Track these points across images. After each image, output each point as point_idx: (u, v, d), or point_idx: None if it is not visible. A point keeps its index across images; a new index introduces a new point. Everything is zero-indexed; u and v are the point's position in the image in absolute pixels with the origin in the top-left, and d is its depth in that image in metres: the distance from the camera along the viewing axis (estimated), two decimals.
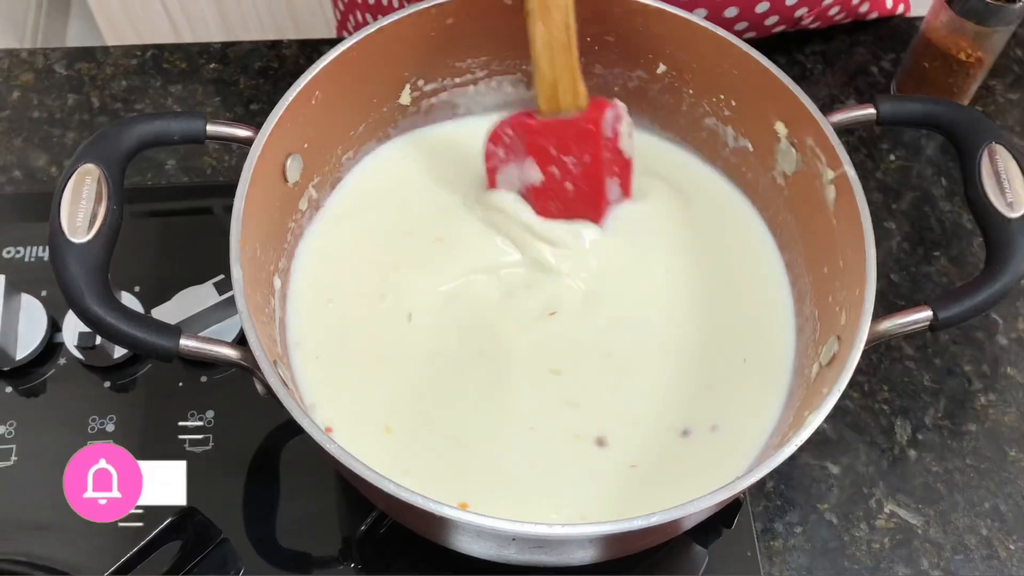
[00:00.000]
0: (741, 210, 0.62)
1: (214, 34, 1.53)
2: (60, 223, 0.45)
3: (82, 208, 0.45)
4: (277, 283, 0.54)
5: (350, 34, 0.94)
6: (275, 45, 0.79)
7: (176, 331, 0.45)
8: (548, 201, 0.58)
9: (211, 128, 0.50)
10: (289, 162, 0.53)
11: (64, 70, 0.77)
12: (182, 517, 0.55)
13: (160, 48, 0.78)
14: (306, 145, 0.55)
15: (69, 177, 0.46)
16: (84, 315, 0.44)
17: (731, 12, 0.71)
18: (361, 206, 0.60)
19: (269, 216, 0.53)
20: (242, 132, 0.51)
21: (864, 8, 0.83)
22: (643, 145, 0.61)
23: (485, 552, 0.50)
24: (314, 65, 0.53)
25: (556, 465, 0.52)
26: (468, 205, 0.60)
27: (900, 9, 0.85)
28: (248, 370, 0.47)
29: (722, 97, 0.58)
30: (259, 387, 0.48)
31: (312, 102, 0.53)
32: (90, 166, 0.46)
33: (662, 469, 0.53)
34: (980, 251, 0.72)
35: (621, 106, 0.57)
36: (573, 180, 0.57)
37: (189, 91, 0.76)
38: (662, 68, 0.60)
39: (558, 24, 0.53)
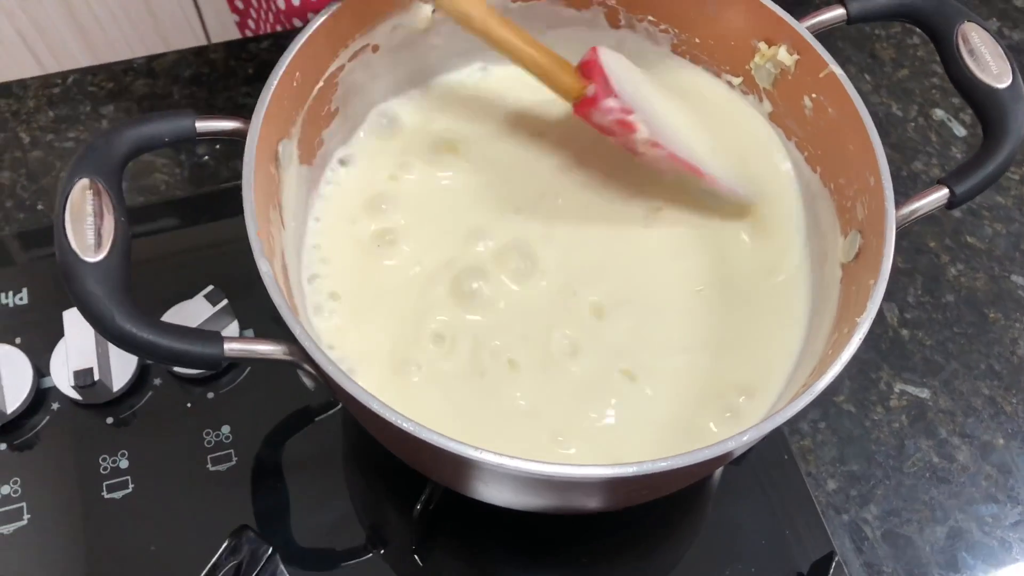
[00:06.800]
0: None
1: (79, 60, 1.40)
2: (69, 243, 0.38)
3: (88, 225, 0.39)
4: (292, 264, 0.49)
5: (252, 31, 0.88)
6: (201, 52, 0.73)
7: (218, 336, 0.40)
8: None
9: (200, 125, 0.44)
10: (281, 147, 0.48)
11: None
12: (237, 536, 0.49)
13: (81, 72, 0.71)
14: (295, 126, 0.49)
15: (67, 195, 0.39)
16: (118, 336, 0.38)
17: None
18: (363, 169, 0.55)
19: (273, 202, 0.47)
20: (232, 124, 0.45)
21: None
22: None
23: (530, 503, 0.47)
24: (291, 46, 0.48)
25: (592, 403, 0.49)
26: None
27: None
28: (294, 364, 0.42)
29: (698, 41, 0.55)
30: (307, 381, 0.43)
31: (294, 84, 0.48)
32: (86, 180, 0.40)
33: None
34: (916, 135, 0.72)
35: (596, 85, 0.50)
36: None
37: (123, 110, 0.69)
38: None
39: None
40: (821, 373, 0.42)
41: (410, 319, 0.51)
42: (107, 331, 0.38)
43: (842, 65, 0.74)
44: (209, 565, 0.47)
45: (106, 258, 0.39)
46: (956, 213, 0.69)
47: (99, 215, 0.40)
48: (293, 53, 0.47)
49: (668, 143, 0.51)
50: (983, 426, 0.60)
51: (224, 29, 1.36)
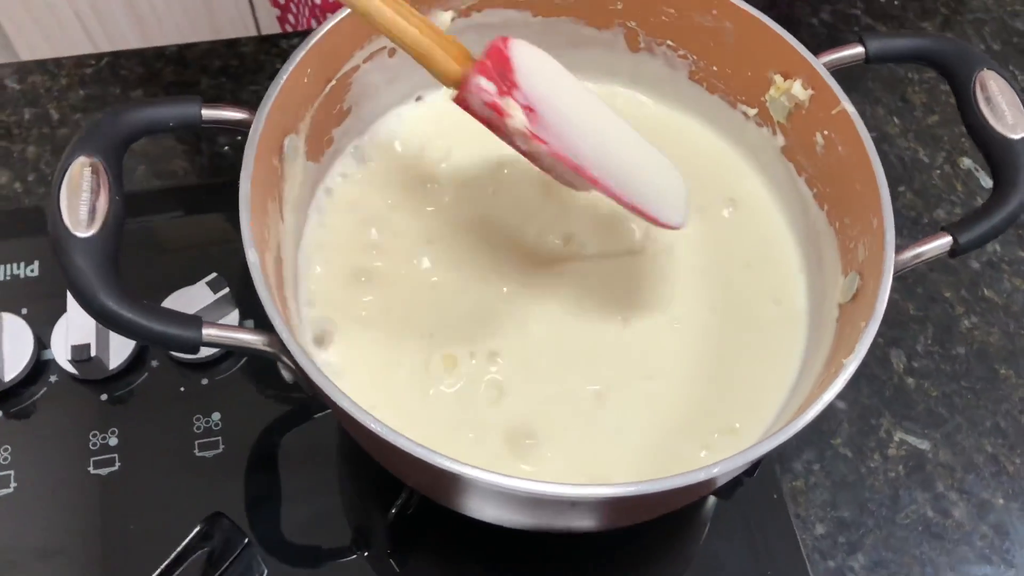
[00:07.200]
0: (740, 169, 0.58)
1: (132, 45, 1.43)
2: (62, 218, 0.39)
3: (83, 201, 0.40)
4: (288, 258, 0.49)
5: (292, 26, 0.89)
6: (232, 44, 0.74)
7: (197, 320, 0.40)
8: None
9: (206, 112, 0.45)
10: (287, 142, 0.49)
11: (17, 84, 0.70)
12: (210, 523, 0.49)
13: (115, 55, 0.72)
14: (303, 121, 0.50)
15: (65, 171, 0.40)
16: (98, 312, 0.39)
17: None
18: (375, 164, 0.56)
19: (272, 195, 0.48)
20: (238, 114, 0.46)
21: None
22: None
23: (503, 517, 0.47)
24: (305, 42, 0.48)
25: (572, 422, 0.49)
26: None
27: None
28: (273, 356, 0.42)
29: (715, 69, 0.55)
30: (285, 374, 0.44)
31: (305, 80, 0.49)
32: (86, 158, 0.41)
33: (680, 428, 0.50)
34: (941, 182, 0.71)
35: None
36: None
37: (151, 95, 0.71)
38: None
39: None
40: (802, 412, 0.41)
41: (402, 321, 0.51)
42: (89, 305, 0.39)
43: (872, 106, 0.74)
44: (178, 549, 0.48)
45: (96, 234, 0.39)
46: (975, 264, 0.67)
47: (95, 192, 0.40)
48: (305, 50, 0.48)
49: (559, 142, 0.45)
50: (983, 484, 0.59)
51: (274, 22, 1.38)
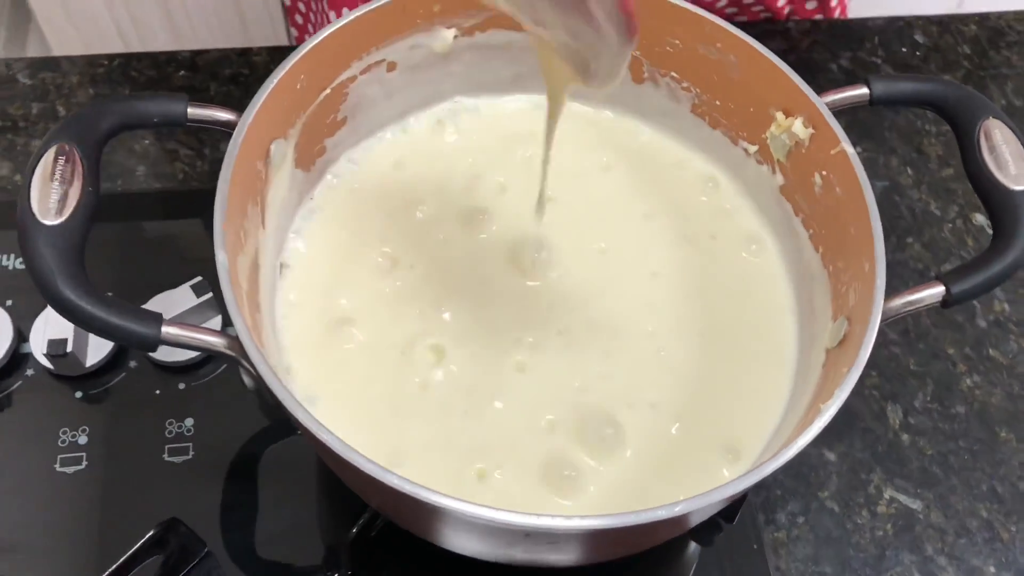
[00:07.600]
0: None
1: (163, 45, 1.45)
2: (30, 204, 0.39)
3: (54, 189, 0.40)
4: (266, 264, 0.49)
5: None
6: (245, 52, 0.74)
7: (158, 317, 0.40)
8: None
9: (192, 111, 0.45)
10: (274, 147, 0.48)
11: (28, 79, 0.71)
12: (165, 529, 0.48)
13: (127, 57, 0.73)
14: (293, 128, 0.50)
15: (40, 157, 0.40)
16: (57, 302, 0.38)
17: None
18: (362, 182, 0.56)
19: (254, 198, 0.47)
20: (224, 115, 0.46)
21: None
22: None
23: (473, 549, 0.45)
24: (300, 48, 0.48)
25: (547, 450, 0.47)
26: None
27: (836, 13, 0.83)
28: (234, 360, 0.41)
29: (718, 103, 0.55)
30: (247, 379, 0.43)
31: (297, 87, 0.48)
32: (64, 146, 0.41)
33: (658, 463, 0.48)
34: (952, 236, 0.69)
35: None
36: None
37: None
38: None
39: None
40: (773, 458, 0.40)
41: (379, 336, 0.50)
42: (48, 294, 0.38)
43: (886, 156, 0.72)
44: (127, 554, 0.47)
45: (63, 224, 0.39)
46: (981, 323, 0.65)
47: (68, 181, 0.40)
48: (298, 57, 0.48)
49: None
50: (975, 550, 0.57)
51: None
